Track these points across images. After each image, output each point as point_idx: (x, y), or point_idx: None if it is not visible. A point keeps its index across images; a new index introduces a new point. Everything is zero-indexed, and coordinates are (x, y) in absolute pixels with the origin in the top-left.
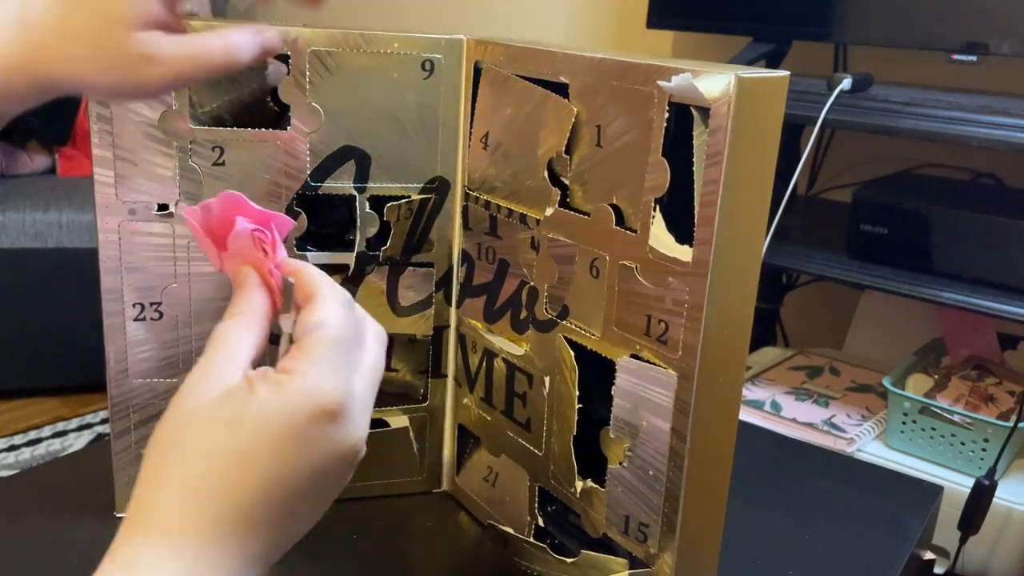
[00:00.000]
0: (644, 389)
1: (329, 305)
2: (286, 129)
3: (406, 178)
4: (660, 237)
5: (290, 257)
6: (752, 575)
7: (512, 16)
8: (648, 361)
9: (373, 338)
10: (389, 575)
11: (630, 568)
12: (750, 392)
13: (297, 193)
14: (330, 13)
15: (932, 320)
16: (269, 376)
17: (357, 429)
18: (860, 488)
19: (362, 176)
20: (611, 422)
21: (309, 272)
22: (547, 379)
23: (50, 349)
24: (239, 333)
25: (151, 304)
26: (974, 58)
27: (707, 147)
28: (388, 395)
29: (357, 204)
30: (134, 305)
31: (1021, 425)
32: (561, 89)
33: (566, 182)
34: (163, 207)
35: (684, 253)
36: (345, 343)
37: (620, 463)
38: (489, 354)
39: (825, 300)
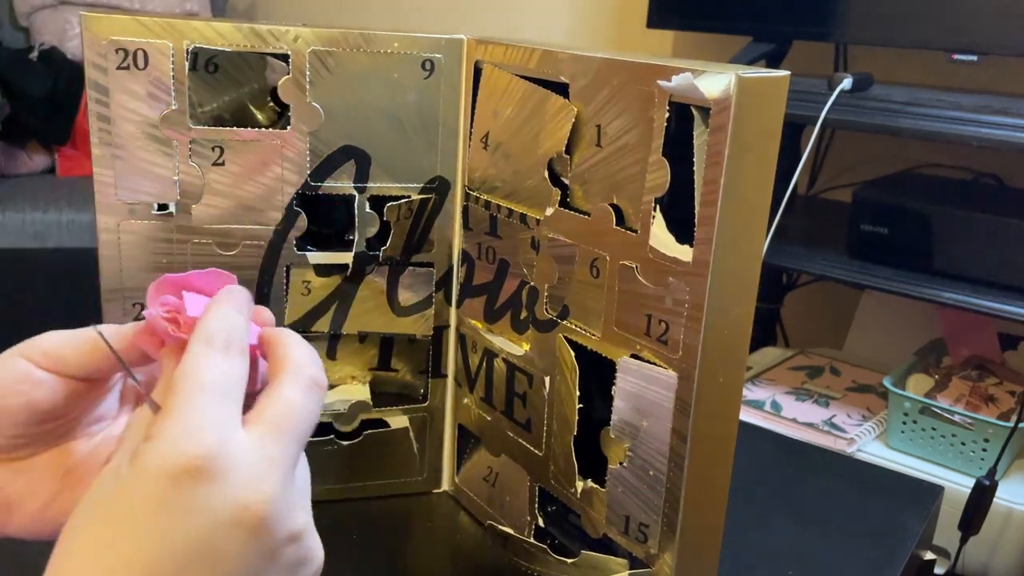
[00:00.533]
0: (644, 389)
1: (195, 352)
2: (286, 129)
3: (406, 178)
4: (660, 237)
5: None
6: (752, 575)
7: (512, 16)
8: (648, 361)
9: (291, 381)
10: (389, 575)
11: (630, 568)
12: (750, 392)
13: (297, 193)
14: (330, 13)
15: (932, 320)
16: (132, 447)
17: (243, 487)
18: (860, 488)
19: (362, 176)
20: (611, 422)
21: (198, 325)
22: (547, 379)
23: None
24: (142, 414)
25: None
26: (974, 58)
27: (707, 147)
28: (388, 395)
29: (357, 204)
30: (134, 305)
31: (1022, 425)
32: (561, 89)
33: (566, 182)
34: (163, 207)
35: (684, 253)
36: (217, 389)
37: (620, 463)
38: (489, 354)
39: (825, 300)
